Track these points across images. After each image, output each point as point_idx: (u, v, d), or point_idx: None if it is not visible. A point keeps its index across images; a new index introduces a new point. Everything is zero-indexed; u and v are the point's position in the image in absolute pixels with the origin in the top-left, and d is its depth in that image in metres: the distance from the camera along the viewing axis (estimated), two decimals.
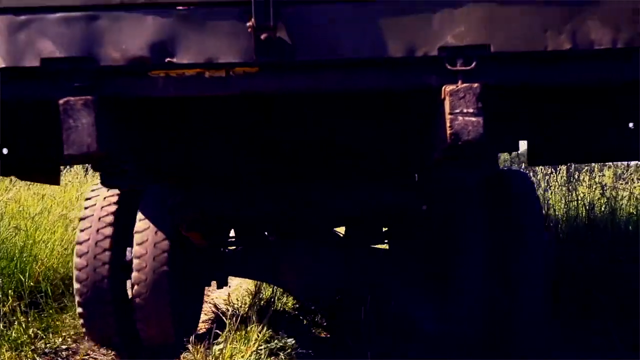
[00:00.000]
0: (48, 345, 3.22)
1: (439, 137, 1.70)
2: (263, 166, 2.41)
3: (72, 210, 5.26)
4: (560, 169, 6.73)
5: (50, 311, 3.77)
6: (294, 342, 3.23)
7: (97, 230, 2.78)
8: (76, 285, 2.77)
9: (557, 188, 6.01)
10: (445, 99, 1.61)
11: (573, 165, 6.98)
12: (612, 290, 3.31)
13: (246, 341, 2.99)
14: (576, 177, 6.79)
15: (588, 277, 3.50)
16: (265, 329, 3.09)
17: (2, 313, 3.33)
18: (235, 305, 3.89)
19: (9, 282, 3.78)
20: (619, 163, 7.23)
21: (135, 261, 2.67)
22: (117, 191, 2.82)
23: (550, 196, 5.57)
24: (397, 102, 1.99)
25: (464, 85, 1.60)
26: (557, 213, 5.02)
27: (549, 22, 1.61)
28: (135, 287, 2.66)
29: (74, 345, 3.33)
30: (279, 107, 2.03)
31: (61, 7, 1.62)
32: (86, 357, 3.20)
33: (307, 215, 2.64)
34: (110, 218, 2.80)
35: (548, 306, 2.63)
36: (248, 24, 1.58)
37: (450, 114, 1.59)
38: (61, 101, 1.60)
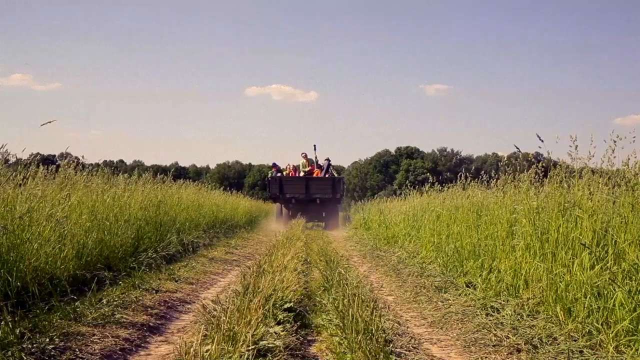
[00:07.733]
0: (35, 345, 3.14)
1: None
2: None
3: (62, 210, 5.15)
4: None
5: (37, 311, 3.74)
6: (282, 343, 3.26)
7: (277, 208, 20.64)
8: (275, 216, 20.88)
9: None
10: None
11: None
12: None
13: (234, 342, 2.99)
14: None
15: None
16: (254, 329, 3.11)
17: None
18: (224, 306, 3.88)
19: None
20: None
21: (282, 211, 20.12)
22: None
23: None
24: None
25: None
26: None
27: None
28: (282, 215, 19.95)
29: (61, 344, 3.29)
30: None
31: None
32: (73, 358, 3.18)
33: (308, 210, 19.49)
34: (279, 205, 20.60)
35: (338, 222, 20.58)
36: None
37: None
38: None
